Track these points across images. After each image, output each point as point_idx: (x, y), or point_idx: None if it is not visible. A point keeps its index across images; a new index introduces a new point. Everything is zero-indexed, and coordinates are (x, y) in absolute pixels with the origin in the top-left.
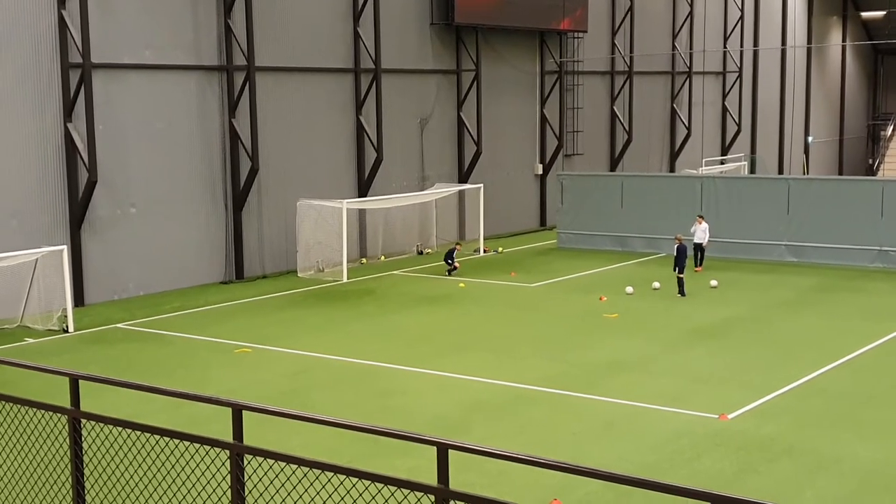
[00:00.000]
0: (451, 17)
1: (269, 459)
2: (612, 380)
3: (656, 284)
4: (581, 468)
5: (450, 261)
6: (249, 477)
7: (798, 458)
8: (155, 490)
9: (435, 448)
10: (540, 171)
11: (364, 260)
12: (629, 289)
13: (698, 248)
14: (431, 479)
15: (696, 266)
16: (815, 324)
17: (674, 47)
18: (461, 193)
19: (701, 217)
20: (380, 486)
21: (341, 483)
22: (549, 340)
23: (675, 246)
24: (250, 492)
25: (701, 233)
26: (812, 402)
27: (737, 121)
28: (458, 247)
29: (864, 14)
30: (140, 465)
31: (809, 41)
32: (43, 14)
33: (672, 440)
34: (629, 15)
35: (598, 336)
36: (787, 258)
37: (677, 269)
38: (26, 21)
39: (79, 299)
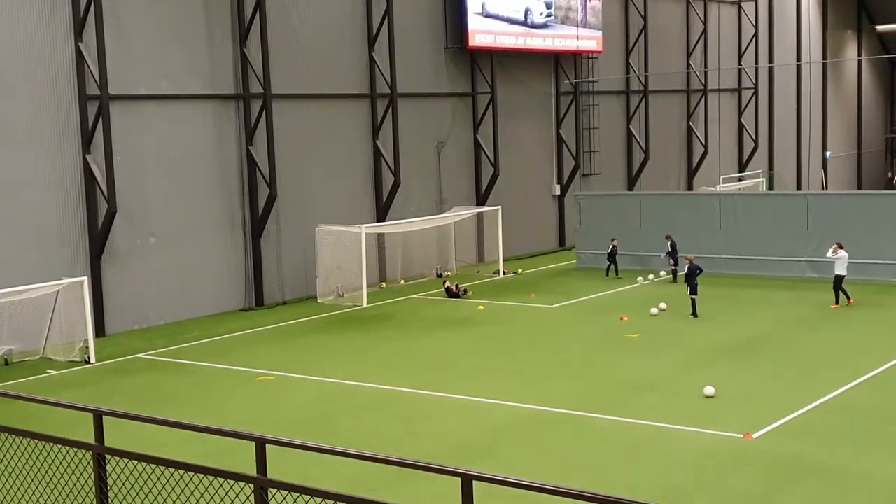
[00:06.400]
0: (465, 41)
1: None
2: (635, 400)
3: (663, 305)
4: (607, 497)
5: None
6: None
7: (826, 476)
8: None
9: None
10: (557, 192)
11: (384, 284)
12: (654, 310)
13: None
14: None
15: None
16: (838, 340)
17: (688, 65)
18: (479, 215)
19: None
20: None
21: None
22: (571, 362)
23: (687, 266)
24: None
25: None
26: (837, 420)
27: (753, 137)
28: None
29: (880, 27)
30: (165, 500)
31: (825, 56)
32: (60, 47)
33: (697, 461)
34: (643, 34)
35: (620, 356)
36: (809, 274)
37: (689, 290)
38: (44, 54)
39: (100, 330)
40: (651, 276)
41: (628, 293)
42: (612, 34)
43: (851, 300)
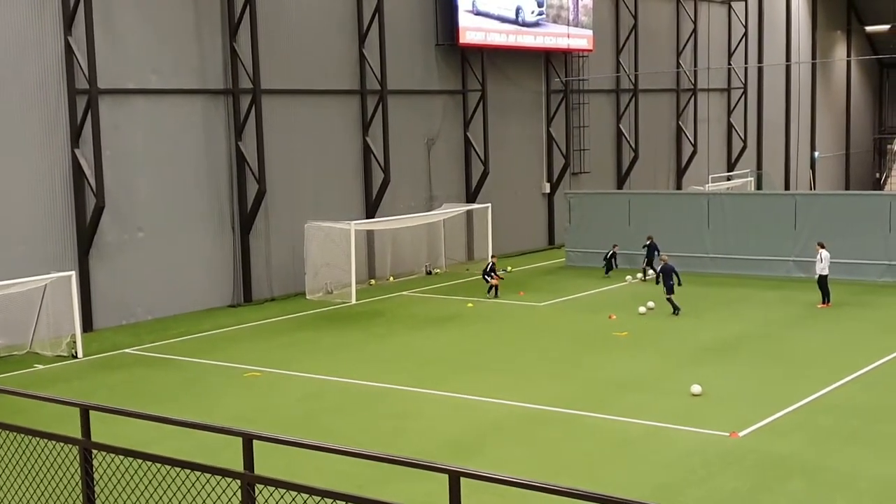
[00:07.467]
0: (456, 38)
1: (280, 488)
2: (623, 399)
3: (651, 304)
4: (596, 495)
5: (488, 277)
6: None
7: (812, 475)
8: None
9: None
10: (547, 190)
11: (373, 281)
12: (641, 308)
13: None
14: (446, 503)
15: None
16: (825, 339)
17: (678, 65)
18: (469, 213)
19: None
20: None
21: None
22: (559, 360)
23: (660, 266)
24: None
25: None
26: (824, 419)
27: (742, 137)
28: (493, 260)
29: (869, 28)
30: (152, 495)
31: (814, 56)
32: (49, 41)
33: (684, 459)
34: (633, 33)
35: (608, 355)
36: (796, 274)
37: (665, 289)
38: (33, 48)
39: (87, 325)
40: (639, 275)
41: (617, 292)
42: (603, 33)
43: (829, 303)
